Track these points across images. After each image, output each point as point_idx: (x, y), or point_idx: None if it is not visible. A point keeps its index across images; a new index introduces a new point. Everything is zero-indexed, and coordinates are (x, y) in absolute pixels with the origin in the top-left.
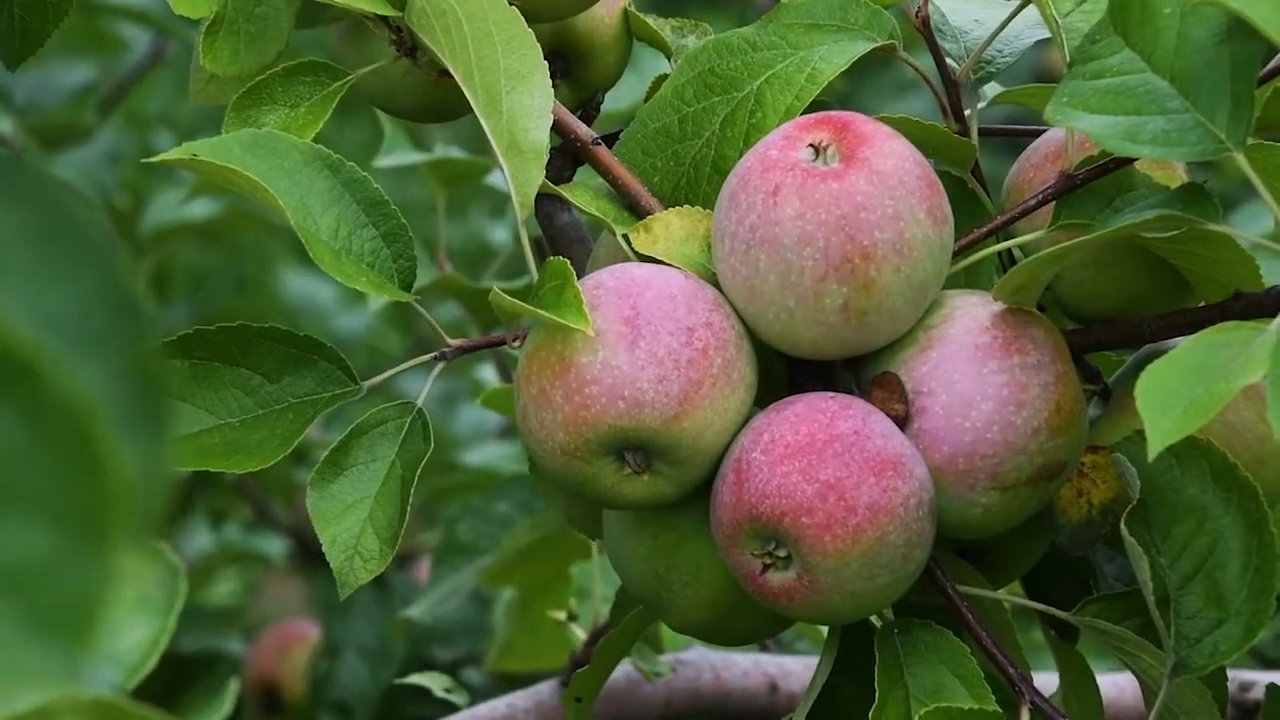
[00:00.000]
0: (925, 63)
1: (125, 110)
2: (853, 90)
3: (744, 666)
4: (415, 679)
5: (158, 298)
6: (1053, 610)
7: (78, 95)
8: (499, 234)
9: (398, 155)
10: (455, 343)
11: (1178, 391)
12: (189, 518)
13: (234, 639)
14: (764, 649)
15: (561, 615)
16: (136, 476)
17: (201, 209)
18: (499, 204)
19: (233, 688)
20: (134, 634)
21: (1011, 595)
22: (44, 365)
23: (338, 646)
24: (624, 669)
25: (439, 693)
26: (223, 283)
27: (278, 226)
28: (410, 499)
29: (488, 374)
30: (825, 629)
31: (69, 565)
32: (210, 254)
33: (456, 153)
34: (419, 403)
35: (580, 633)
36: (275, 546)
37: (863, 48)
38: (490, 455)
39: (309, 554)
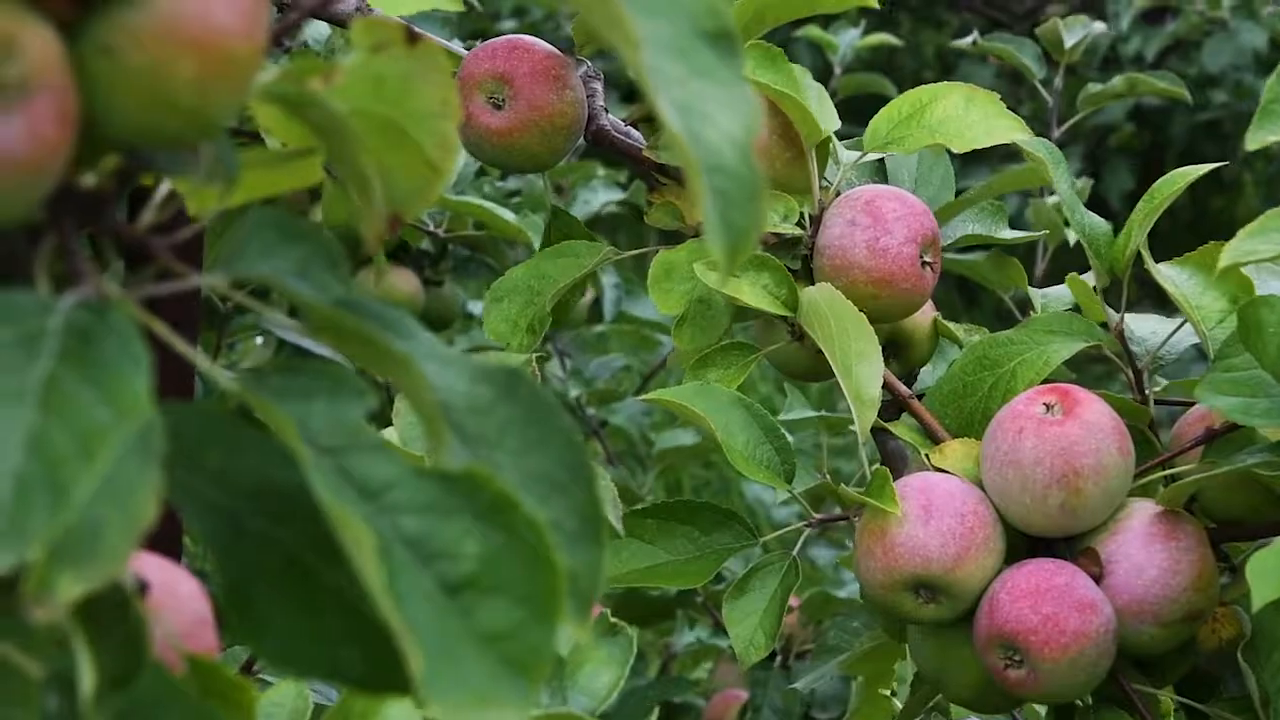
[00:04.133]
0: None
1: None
2: (1077, 378)
3: None
4: None
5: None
6: (1195, 704)
7: (620, 373)
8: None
9: (796, 411)
10: (818, 516)
11: (1274, 569)
12: (680, 624)
13: (699, 698)
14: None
15: (888, 692)
16: (580, 574)
17: (690, 438)
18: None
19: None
20: (602, 679)
21: (1167, 693)
22: (519, 503)
23: (759, 705)
24: None
25: None
26: (706, 488)
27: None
28: (785, 610)
29: None
30: (1044, 707)
31: (528, 630)
32: (705, 469)
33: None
34: (793, 553)
35: (898, 703)
36: (725, 642)
37: (1080, 345)
38: (853, 591)
39: None
